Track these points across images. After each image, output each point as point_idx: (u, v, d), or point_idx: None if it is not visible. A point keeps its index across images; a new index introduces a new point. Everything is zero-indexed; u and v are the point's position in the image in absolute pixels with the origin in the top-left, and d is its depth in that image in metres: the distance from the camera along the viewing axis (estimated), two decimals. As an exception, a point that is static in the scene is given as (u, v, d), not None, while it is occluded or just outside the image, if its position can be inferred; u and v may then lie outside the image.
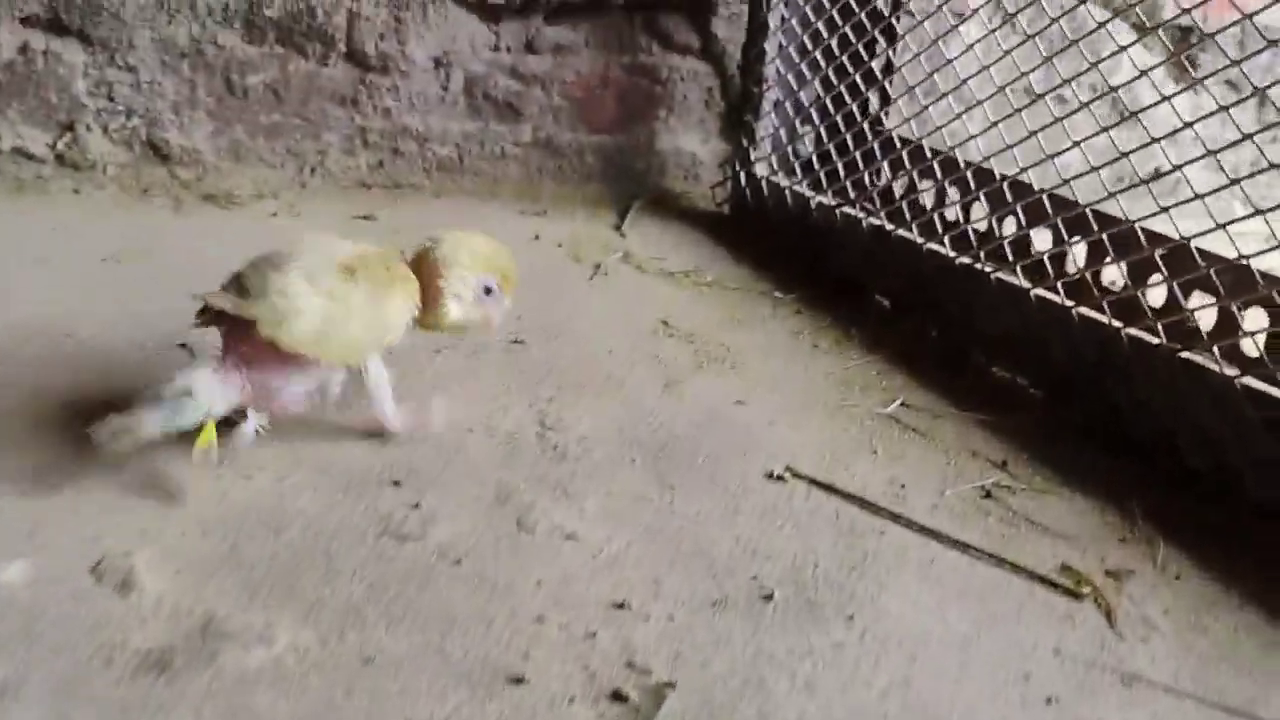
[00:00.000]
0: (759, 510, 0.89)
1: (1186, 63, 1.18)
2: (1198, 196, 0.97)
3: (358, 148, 1.74)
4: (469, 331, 0.98)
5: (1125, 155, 1.06)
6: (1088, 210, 1.12)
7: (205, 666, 0.65)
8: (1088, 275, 1.12)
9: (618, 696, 0.65)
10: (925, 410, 1.11)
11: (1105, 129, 1.09)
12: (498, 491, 0.88)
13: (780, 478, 0.94)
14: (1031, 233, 1.20)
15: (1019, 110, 1.18)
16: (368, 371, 0.91)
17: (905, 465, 0.99)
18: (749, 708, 0.66)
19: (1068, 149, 1.13)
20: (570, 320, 1.27)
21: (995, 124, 1.22)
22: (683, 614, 0.74)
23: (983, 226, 1.27)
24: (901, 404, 1.12)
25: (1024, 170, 1.20)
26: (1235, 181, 0.94)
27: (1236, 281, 0.96)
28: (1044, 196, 1.18)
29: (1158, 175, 1.04)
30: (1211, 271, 0.98)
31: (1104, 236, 1.10)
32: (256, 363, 0.84)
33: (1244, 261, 0.95)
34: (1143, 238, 1.06)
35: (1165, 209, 1.00)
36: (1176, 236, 1.01)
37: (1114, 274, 1.11)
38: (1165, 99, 1.02)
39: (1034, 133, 1.17)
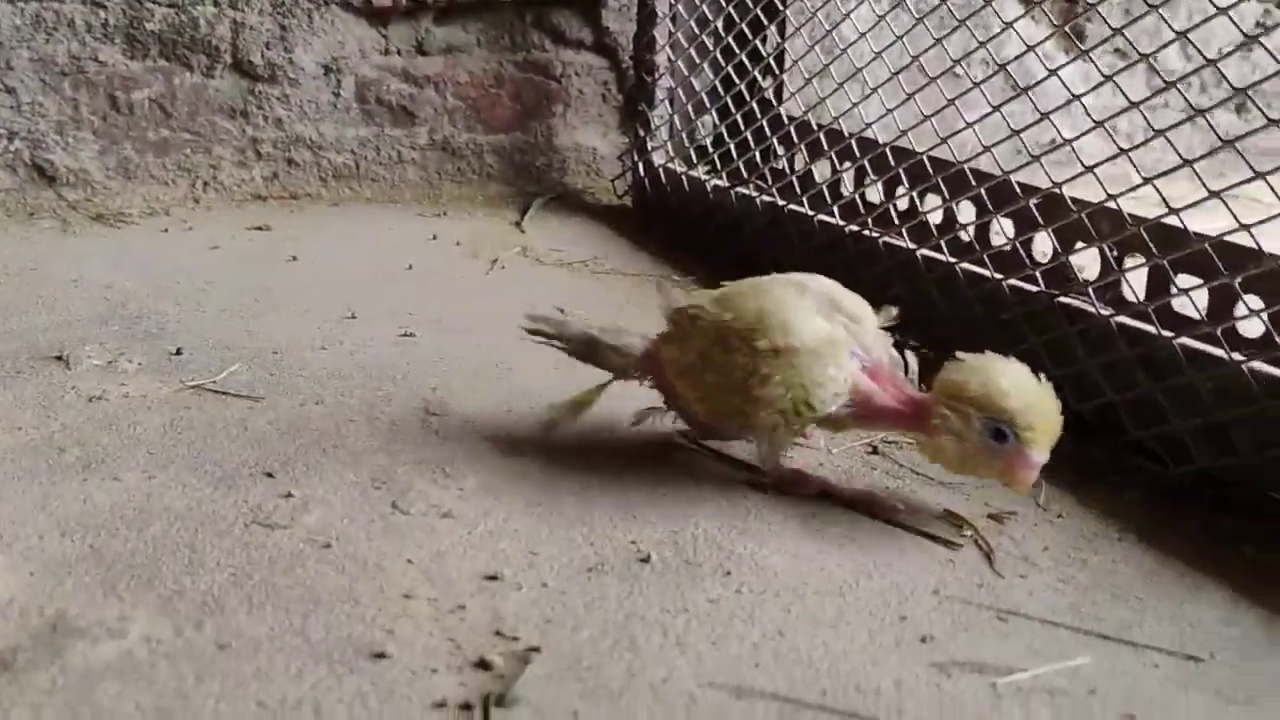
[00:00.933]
0: (643, 477, 0.88)
1: (1071, 34, 1.19)
2: (1088, 169, 0.97)
3: (251, 159, 1.72)
4: (982, 474, 0.82)
5: (1017, 133, 1.06)
6: (966, 168, 1.12)
7: (50, 663, 0.62)
8: (972, 233, 1.12)
9: (482, 664, 0.64)
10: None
11: (997, 107, 1.10)
12: (375, 477, 0.86)
13: (666, 444, 0.93)
14: (913, 195, 1.21)
15: (919, 90, 1.18)
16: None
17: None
18: (617, 666, 0.64)
19: (963, 128, 1.13)
20: (463, 313, 1.25)
21: (872, 94, 1.23)
22: (556, 581, 0.73)
23: (872, 197, 1.27)
24: (794, 372, 1.12)
25: (902, 134, 1.21)
26: (1125, 151, 0.94)
27: (1115, 228, 0.97)
28: (924, 158, 1.18)
29: (1054, 146, 1.04)
30: (1085, 217, 0.99)
31: (982, 191, 1.10)
32: None
33: (1116, 206, 0.95)
34: (1018, 189, 1.06)
35: (1068, 180, 1.01)
36: (1048, 185, 1.02)
37: (996, 231, 1.12)
38: (1052, 73, 1.03)
39: (936, 111, 1.17)
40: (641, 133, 1.71)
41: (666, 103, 1.67)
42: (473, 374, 1.07)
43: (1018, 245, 1.05)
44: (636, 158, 1.72)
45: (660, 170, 1.66)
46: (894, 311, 0.88)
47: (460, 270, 1.43)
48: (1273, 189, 0.80)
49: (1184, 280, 0.91)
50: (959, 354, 0.81)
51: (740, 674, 0.64)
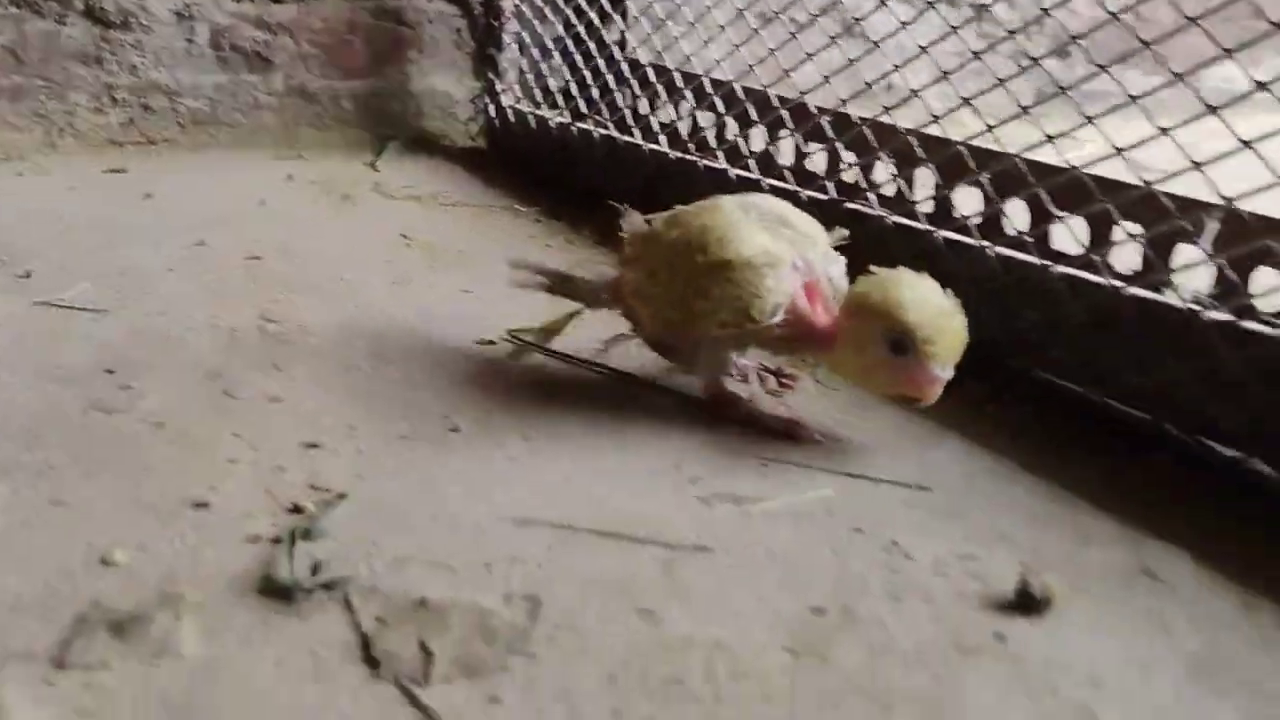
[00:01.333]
0: (464, 369, 0.96)
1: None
2: (937, 119, 1.07)
3: (107, 105, 1.75)
4: (884, 387, 0.84)
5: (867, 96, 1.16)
6: (769, 91, 1.22)
7: (-106, 520, 0.69)
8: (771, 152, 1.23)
9: (295, 509, 0.72)
10: (640, 286, 1.20)
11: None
12: (210, 371, 0.93)
13: (490, 342, 1.02)
14: (728, 119, 1.30)
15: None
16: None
17: (615, 327, 1.07)
18: (421, 509, 0.73)
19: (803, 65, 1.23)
20: (310, 240, 1.32)
21: (691, 31, 1.32)
22: (371, 448, 0.81)
23: (692, 126, 1.37)
24: (617, 282, 1.21)
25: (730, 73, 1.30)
26: (970, 101, 1.04)
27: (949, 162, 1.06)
28: (735, 85, 1.28)
29: (889, 85, 1.13)
30: (869, 130, 1.09)
31: (784, 113, 1.20)
32: None
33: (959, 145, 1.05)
34: (813, 109, 1.17)
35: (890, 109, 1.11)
36: (855, 117, 1.12)
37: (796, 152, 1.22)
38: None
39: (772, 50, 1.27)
40: (491, 76, 1.78)
41: (515, 46, 1.75)
42: (313, 290, 1.14)
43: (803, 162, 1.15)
44: (488, 100, 1.79)
45: (509, 111, 1.74)
46: (845, 232, 0.90)
47: (311, 206, 1.49)
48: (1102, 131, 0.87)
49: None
50: (871, 268, 0.84)
51: (526, 510, 0.73)
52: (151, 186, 1.53)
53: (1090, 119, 0.87)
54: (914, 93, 1.03)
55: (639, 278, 0.90)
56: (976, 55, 0.98)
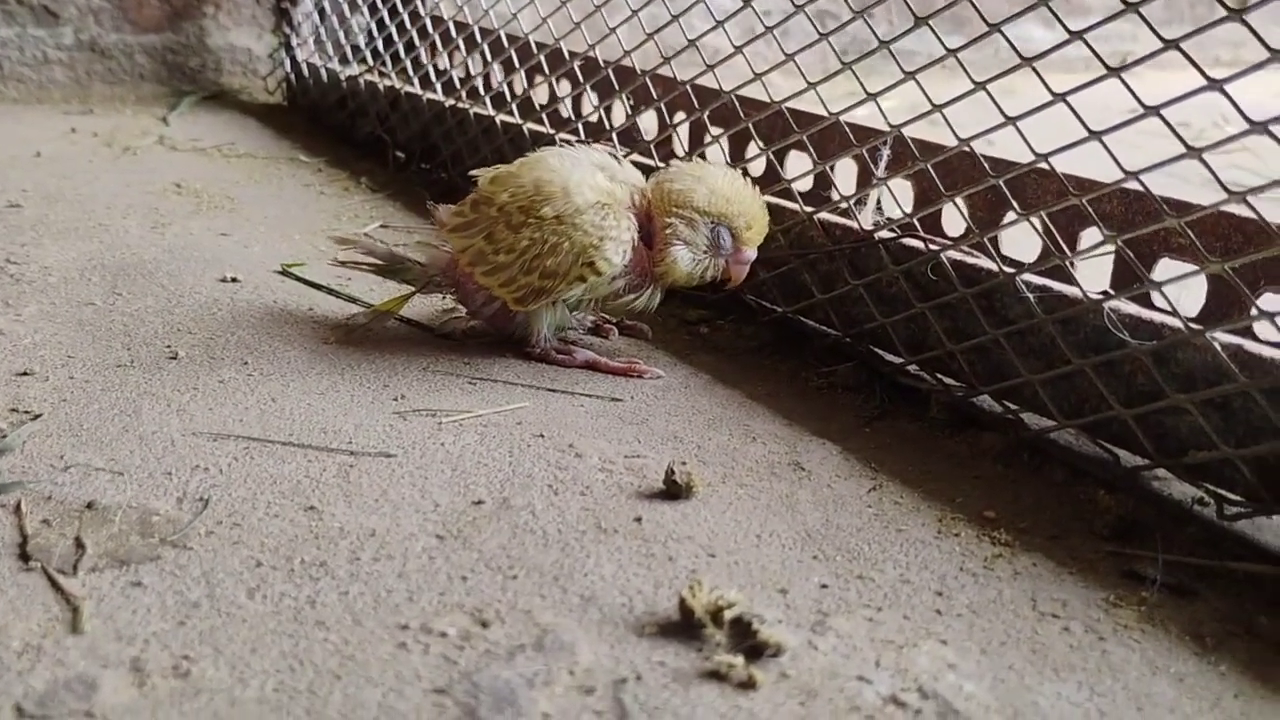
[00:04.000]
0: (200, 304, 0.98)
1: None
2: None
3: (-118, 59, 1.70)
4: (705, 278, 0.87)
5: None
6: (529, 40, 1.26)
7: None
8: (532, 97, 1.27)
9: (-14, 430, 0.74)
10: (402, 229, 1.24)
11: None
12: (-63, 310, 0.94)
13: (234, 280, 1.04)
14: (493, 69, 1.34)
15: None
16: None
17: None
18: (114, 426, 0.76)
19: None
20: (79, 189, 1.32)
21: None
22: (83, 374, 0.83)
23: (463, 73, 1.40)
24: (381, 225, 1.25)
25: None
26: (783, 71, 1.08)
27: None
28: (500, 34, 1.32)
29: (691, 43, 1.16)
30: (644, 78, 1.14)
31: (543, 58, 1.24)
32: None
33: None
34: (566, 55, 1.21)
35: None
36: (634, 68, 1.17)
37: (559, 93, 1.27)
38: None
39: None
40: (288, 31, 1.78)
41: (310, 1, 1.75)
42: (67, 234, 1.15)
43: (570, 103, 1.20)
44: (284, 54, 1.80)
45: (304, 65, 1.75)
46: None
47: (90, 157, 1.48)
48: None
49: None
50: (674, 162, 0.86)
51: (224, 426, 0.77)
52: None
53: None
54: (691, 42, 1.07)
55: (478, 246, 0.87)
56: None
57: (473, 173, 0.92)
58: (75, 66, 1.82)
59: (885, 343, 0.87)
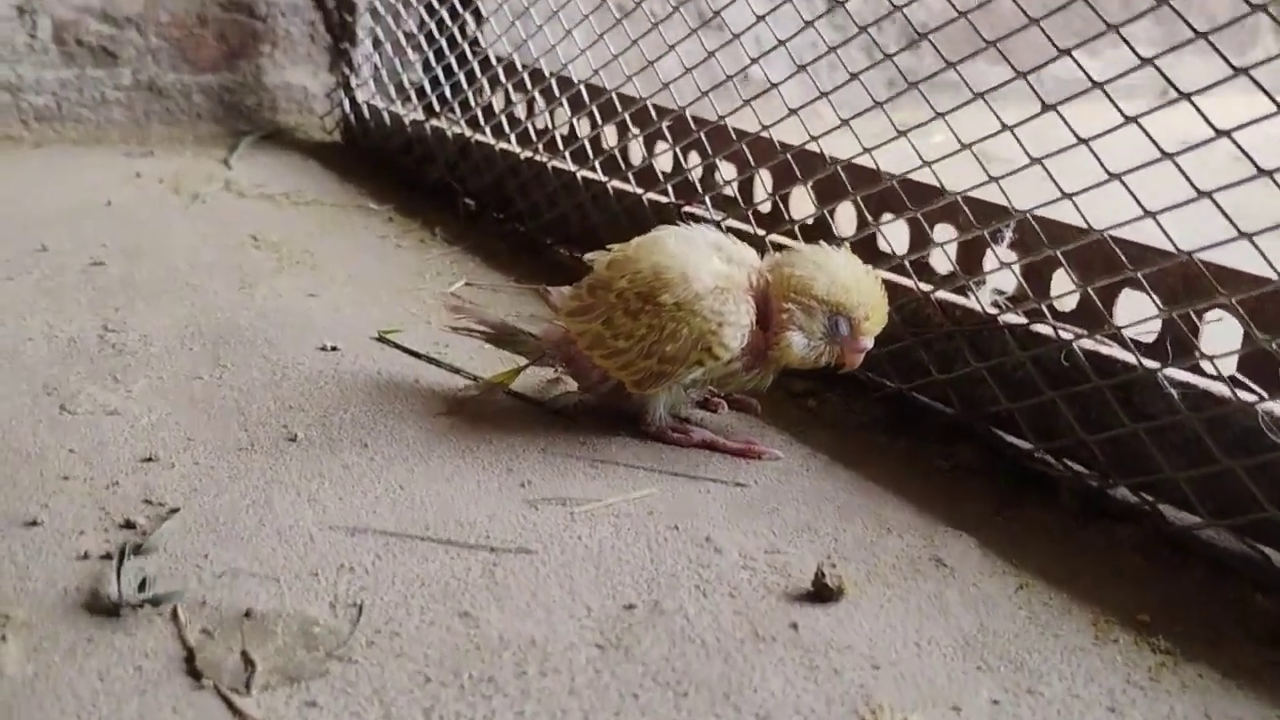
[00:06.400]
0: (305, 377, 0.98)
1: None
2: (793, 113, 1.11)
3: (-56, 102, 1.70)
4: (819, 364, 0.87)
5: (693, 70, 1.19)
6: (614, 94, 1.26)
7: None
8: (617, 153, 1.26)
9: (128, 525, 0.73)
10: (487, 287, 1.23)
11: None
12: (47, 385, 0.93)
13: (334, 348, 1.04)
14: (574, 121, 1.34)
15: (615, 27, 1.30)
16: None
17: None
18: (250, 519, 0.75)
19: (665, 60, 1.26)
20: (157, 242, 1.32)
21: (539, 30, 1.35)
22: (207, 460, 0.83)
23: (541, 124, 1.39)
24: (465, 283, 1.24)
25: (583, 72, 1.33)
26: (816, 102, 1.07)
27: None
28: (582, 88, 1.31)
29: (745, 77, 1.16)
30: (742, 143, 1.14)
31: (626, 116, 1.24)
32: None
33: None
34: (653, 112, 1.21)
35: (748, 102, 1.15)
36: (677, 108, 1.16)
37: (638, 151, 1.26)
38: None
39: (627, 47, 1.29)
40: (346, 71, 1.78)
41: (369, 41, 1.75)
42: (156, 296, 1.15)
43: (652, 161, 1.19)
44: (343, 95, 1.80)
45: (365, 106, 1.75)
46: (777, 256, 0.88)
47: (160, 205, 1.48)
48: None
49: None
50: (792, 244, 0.86)
51: (358, 519, 0.76)
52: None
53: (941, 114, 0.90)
54: (772, 85, 1.05)
55: (596, 330, 0.87)
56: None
57: (587, 257, 0.92)
58: (133, 107, 1.82)
59: (1009, 425, 0.87)
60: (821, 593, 0.70)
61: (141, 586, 0.66)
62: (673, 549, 0.75)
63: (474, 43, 1.56)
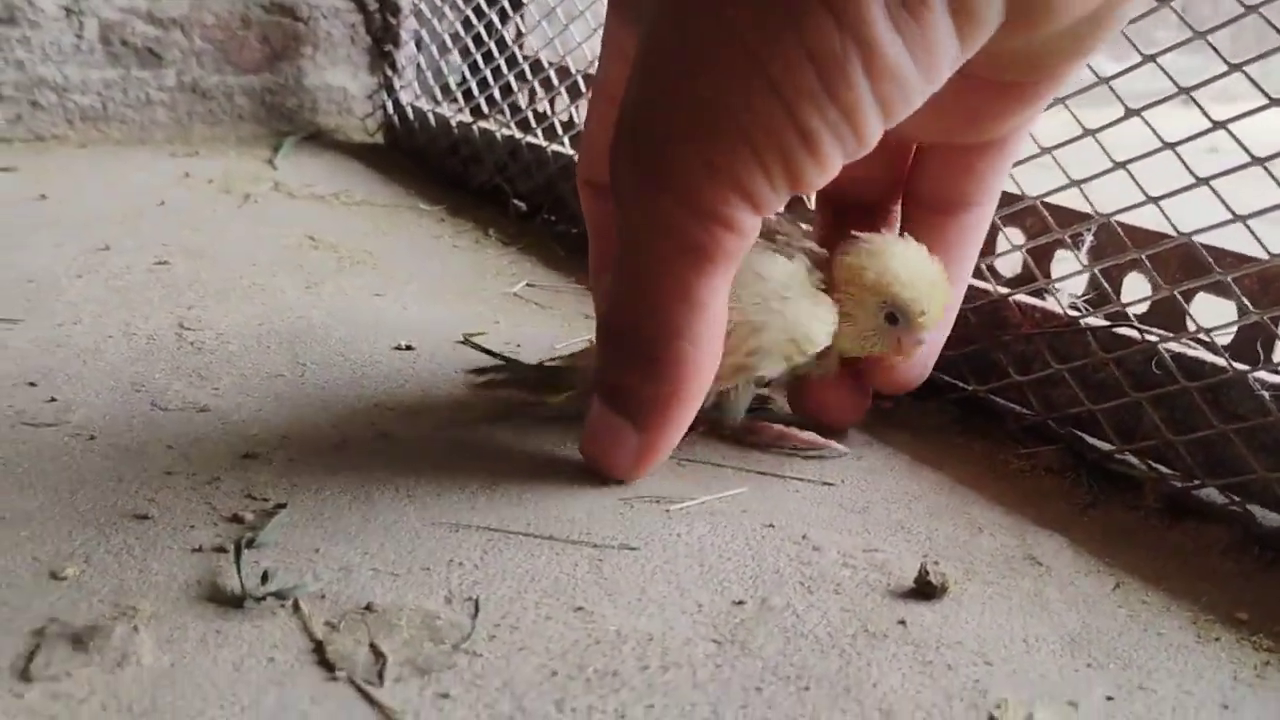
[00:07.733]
0: (384, 375, 0.99)
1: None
2: None
3: (-8, 101, 1.72)
4: (873, 352, 0.87)
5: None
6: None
7: None
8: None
9: (235, 519, 0.74)
10: (549, 288, 1.25)
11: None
12: (134, 382, 0.94)
13: (409, 348, 1.05)
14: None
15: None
16: None
17: (524, 331, 1.11)
18: (354, 515, 0.76)
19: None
20: (216, 242, 1.33)
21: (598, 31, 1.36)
22: (303, 457, 0.84)
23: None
24: (527, 285, 1.25)
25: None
26: None
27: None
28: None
29: None
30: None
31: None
32: None
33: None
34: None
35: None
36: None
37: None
38: None
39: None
40: (389, 72, 1.79)
41: (412, 43, 1.77)
42: (226, 294, 1.16)
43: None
44: (385, 96, 1.81)
45: (408, 108, 1.76)
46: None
47: (213, 205, 1.49)
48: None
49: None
50: (855, 233, 0.84)
51: (459, 515, 0.77)
52: (45, 187, 1.51)
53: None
54: None
55: None
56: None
57: None
58: (177, 107, 1.83)
59: (1090, 426, 0.88)
60: (925, 590, 0.71)
61: (264, 579, 0.67)
62: (772, 546, 0.76)
63: (521, 46, 1.57)
